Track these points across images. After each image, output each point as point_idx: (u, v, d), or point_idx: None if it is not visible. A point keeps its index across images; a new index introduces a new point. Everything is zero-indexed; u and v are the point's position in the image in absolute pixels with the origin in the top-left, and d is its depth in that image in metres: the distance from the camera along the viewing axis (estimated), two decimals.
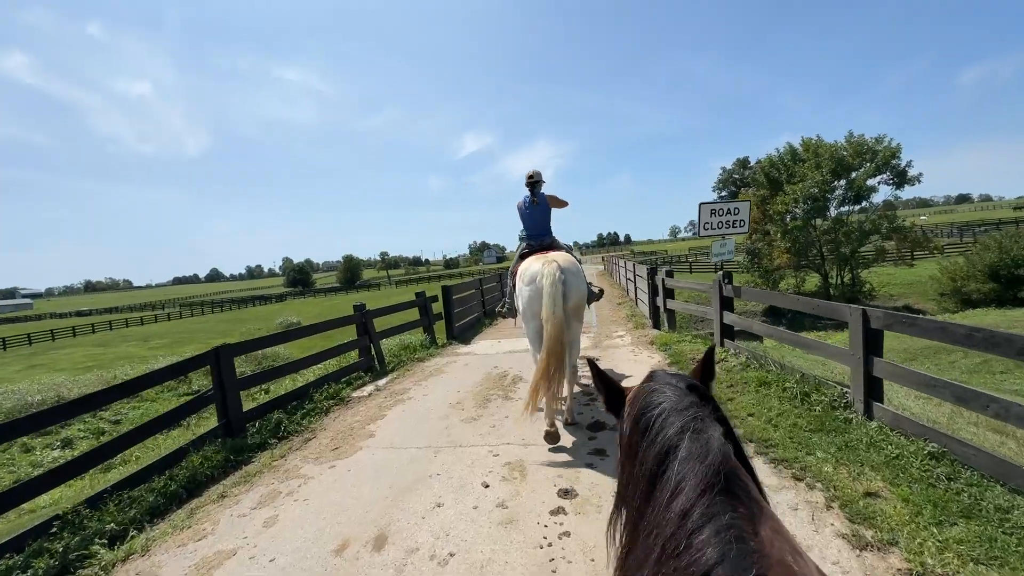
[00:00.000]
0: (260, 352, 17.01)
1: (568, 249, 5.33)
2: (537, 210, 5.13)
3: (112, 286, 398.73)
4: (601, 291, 5.80)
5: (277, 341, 6.56)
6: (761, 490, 0.85)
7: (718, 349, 6.43)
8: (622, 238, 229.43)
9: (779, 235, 28.15)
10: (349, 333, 7.45)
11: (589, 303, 5.36)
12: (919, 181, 27.02)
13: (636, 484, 0.88)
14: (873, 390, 3.94)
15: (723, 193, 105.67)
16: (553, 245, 5.14)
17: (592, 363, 1.33)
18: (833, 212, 27.88)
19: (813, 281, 30.19)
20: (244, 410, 5.15)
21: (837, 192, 27.65)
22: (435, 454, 4.18)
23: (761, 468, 3.41)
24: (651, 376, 1.09)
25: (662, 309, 8.29)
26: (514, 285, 4.95)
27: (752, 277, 30.76)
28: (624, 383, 1.23)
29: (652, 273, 8.70)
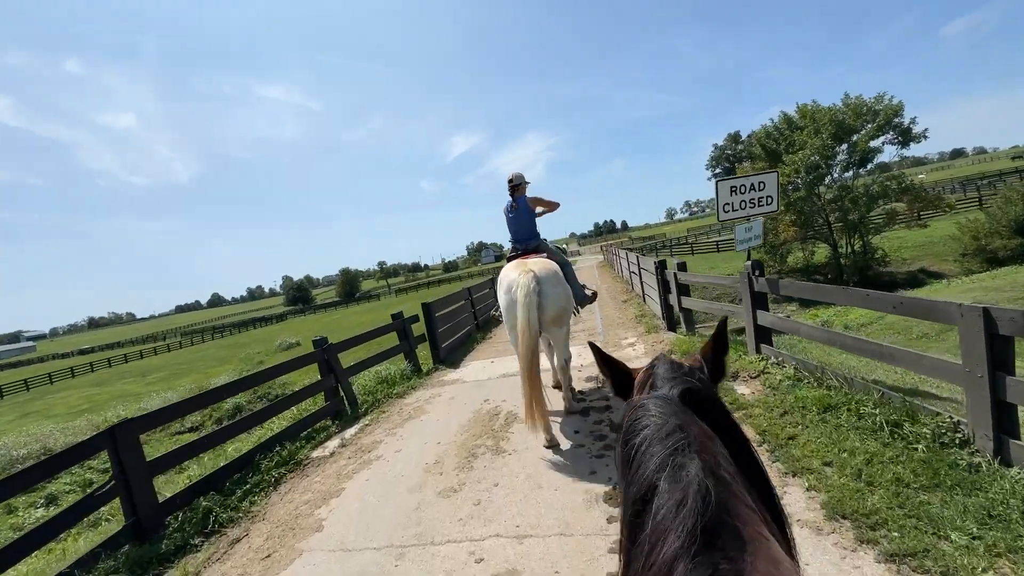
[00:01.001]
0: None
1: (558, 251, 5.19)
2: (518, 215, 5.01)
3: (116, 320, 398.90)
4: (594, 293, 5.59)
5: (196, 406, 5.34)
6: (779, 515, 0.81)
7: (752, 357, 5.26)
8: (619, 225, 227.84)
9: (783, 208, 26.87)
10: (313, 372, 6.30)
11: (583, 306, 5.31)
12: (925, 137, 25.76)
13: (624, 526, 0.81)
14: (1005, 421, 2.76)
15: (717, 170, 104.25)
16: (539, 249, 4.98)
17: (594, 346, 1.26)
18: (837, 178, 26.62)
19: (822, 252, 28.94)
20: (161, 500, 4.00)
21: (840, 158, 26.40)
22: (397, 560, 3.01)
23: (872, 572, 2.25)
24: (652, 373, 1.02)
25: (677, 308, 7.11)
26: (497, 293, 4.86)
27: (759, 253, 29.52)
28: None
29: (662, 268, 7.51)
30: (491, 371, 7.20)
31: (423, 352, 8.65)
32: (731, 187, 5.20)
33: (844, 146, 26.19)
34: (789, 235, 27.18)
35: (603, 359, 1.18)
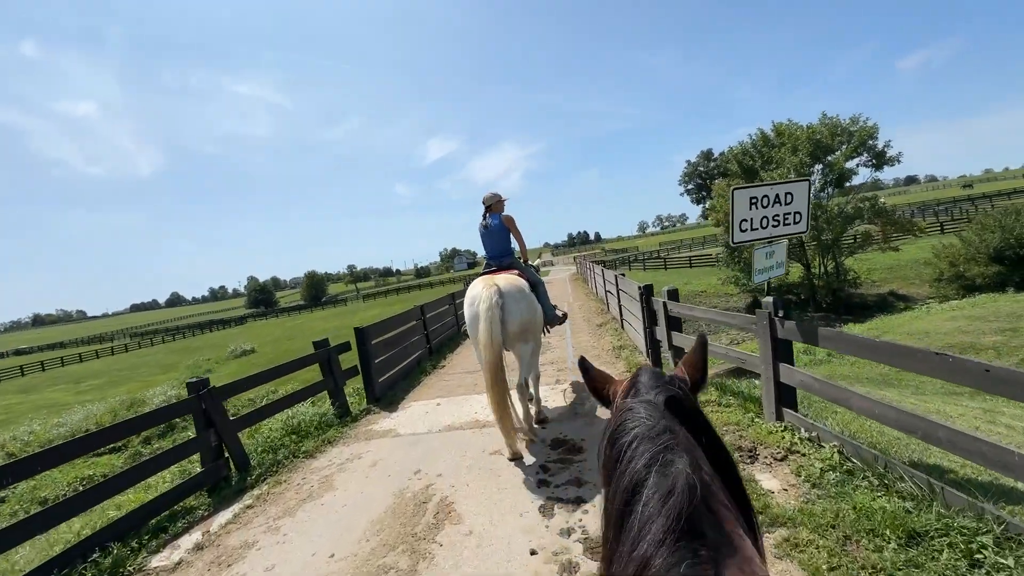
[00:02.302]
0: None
1: (530, 270, 5.22)
2: (492, 233, 5.06)
3: (64, 318, 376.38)
4: (565, 315, 5.60)
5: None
6: (751, 518, 0.84)
7: (771, 425, 3.96)
8: (592, 236, 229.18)
9: None
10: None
11: (552, 326, 5.21)
12: (899, 161, 25.76)
13: (609, 518, 0.83)
14: None
15: (689, 186, 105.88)
16: (512, 266, 5.01)
17: (583, 359, 1.33)
18: (812, 197, 26.34)
19: (796, 271, 28.63)
20: None
21: (815, 177, 26.16)
22: None
23: None
24: (635, 382, 1.07)
25: (665, 345, 5.79)
26: None
27: (733, 272, 29.00)
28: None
29: (647, 294, 6.19)
30: (434, 419, 5.69)
31: (357, 385, 7.10)
32: (751, 198, 3.90)
33: (819, 166, 26.00)
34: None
35: (585, 370, 1.25)
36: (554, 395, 5.94)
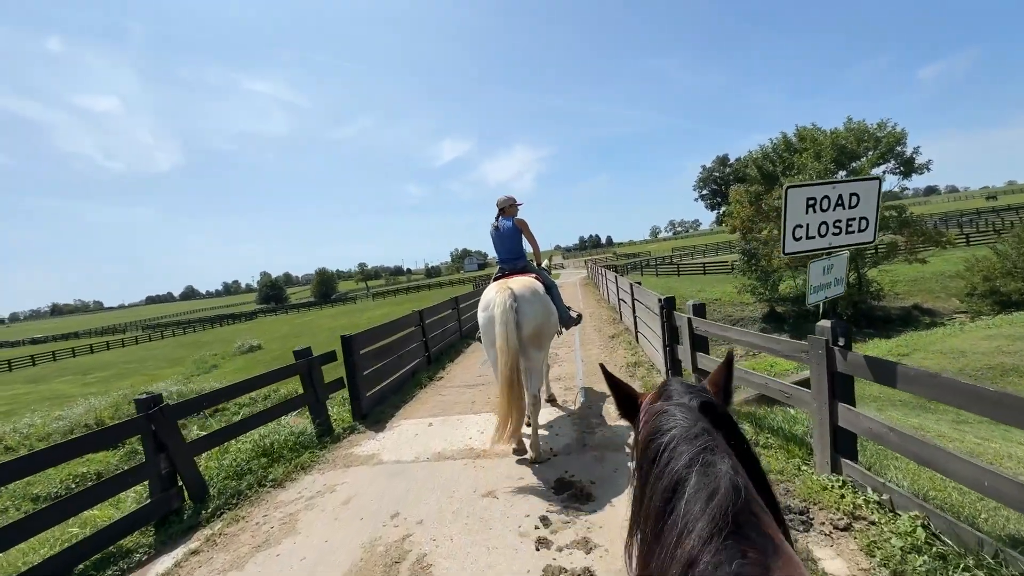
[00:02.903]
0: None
1: (544, 272, 5.13)
2: (504, 234, 5.00)
3: (81, 308, 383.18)
4: (579, 316, 5.54)
5: None
6: (783, 523, 0.82)
7: (825, 479, 3.22)
8: (604, 240, 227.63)
9: (778, 233, 25.42)
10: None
11: (567, 327, 5.12)
12: (928, 169, 24.67)
13: (647, 517, 0.83)
14: None
15: (704, 191, 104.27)
16: (525, 269, 5.00)
17: (603, 367, 1.35)
18: None
19: None
20: None
21: None
22: None
23: None
24: (665, 388, 1.07)
25: (688, 366, 5.07)
26: None
27: (750, 280, 28.04)
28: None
29: (668, 308, 5.46)
30: (424, 443, 5.02)
31: (343, 396, 6.47)
32: (808, 200, 3.15)
33: (843, 172, 24.98)
34: (785, 262, 25.70)
35: (611, 379, 1.23)
36: (560, 421, 5.24)
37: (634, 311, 8.54)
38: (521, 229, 5.01)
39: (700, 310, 4.91)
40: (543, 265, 5.66)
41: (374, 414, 6.11)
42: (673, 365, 5.43)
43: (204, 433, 4.55)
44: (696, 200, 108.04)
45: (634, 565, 0.85)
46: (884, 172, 24.70)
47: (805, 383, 3.36)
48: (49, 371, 44.71)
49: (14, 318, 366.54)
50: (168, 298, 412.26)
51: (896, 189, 26.74)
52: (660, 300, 5.55)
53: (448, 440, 5.02)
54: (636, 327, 8.49)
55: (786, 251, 3.28)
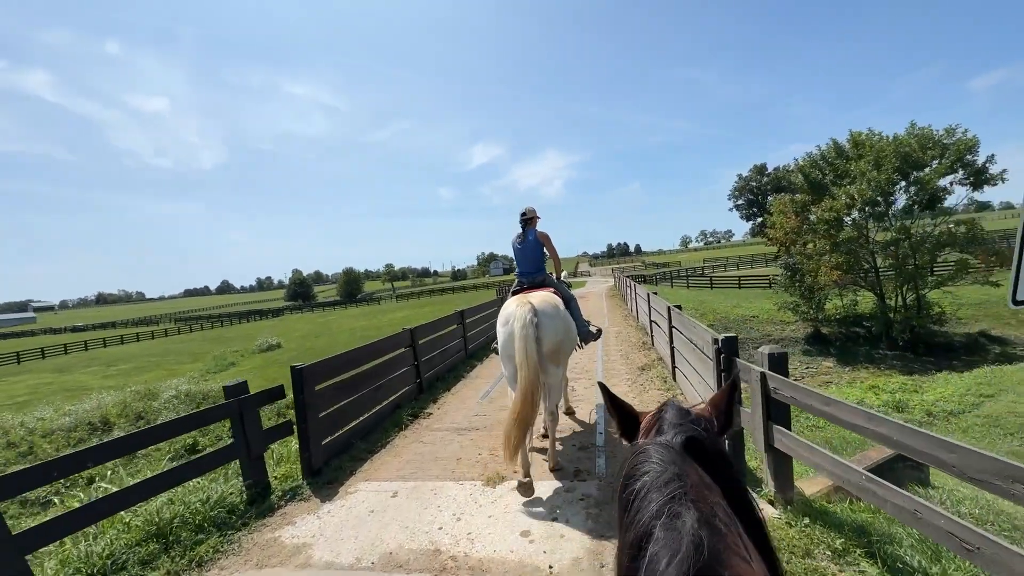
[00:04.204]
0: None
1: (563, 286, 5.09)
2: (527, 248, 5.00)
3: (124, 298, 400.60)
4: (599, 331, 5.41)
5: None
6: (774, 564, 0.79)
7: None
8: (632, 248, 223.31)
9: (828, 247, 23.11)
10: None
11: (586, 342, 5.06)
12: (1003, 180, 21.98)
13: (619, 569, 0.81)
14: None
15: (739, 202, 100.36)
16: (544, 283, 4.99)
17: (603, 386, 1.29)
18: (895, 219, 22.86)
19: (866, 302, 25.07)
20: None
21: (899, 196, 22.73)
22: None
23: None
24: (660, 417, 1.01)
25: (759, 443, 3.48)
26: None
27: (792, 297, 25.72)
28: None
29: (728, 353, 3.87)
30: (375, 533, 3.56)
31: (291, 441, 5.11)
32: None
33: (903, 183, 22.57)
34: (833, 279, 23.37)
35: (611, 399, 1.18)
36: (572, 508, 3.72)
37: (671, 340, 6.93)
38: (543, 243, 5.05)
39: (780, 363, 3.34)
40: (562, 278, 5.53)
41: (330, 469, 4.71)
42: (732, 433, 3.86)
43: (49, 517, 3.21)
44: (731, 210, 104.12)
45: None
46: (952, 183, 22.19)
47: None
48: (78, 361, 45.55)
49: (63, 305, 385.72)
50: (204, 291, 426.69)
51: (963, 203, 24.12)
52: (716, 341, 3.96)
53: (410, 530, 3.57)
54: (673, 360, 6.87)
55: (1015, 301, 1.75)
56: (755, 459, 3.99)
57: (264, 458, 4.38)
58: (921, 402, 12.83)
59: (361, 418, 5.59)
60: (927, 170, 21.65)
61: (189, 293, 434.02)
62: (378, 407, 6.01)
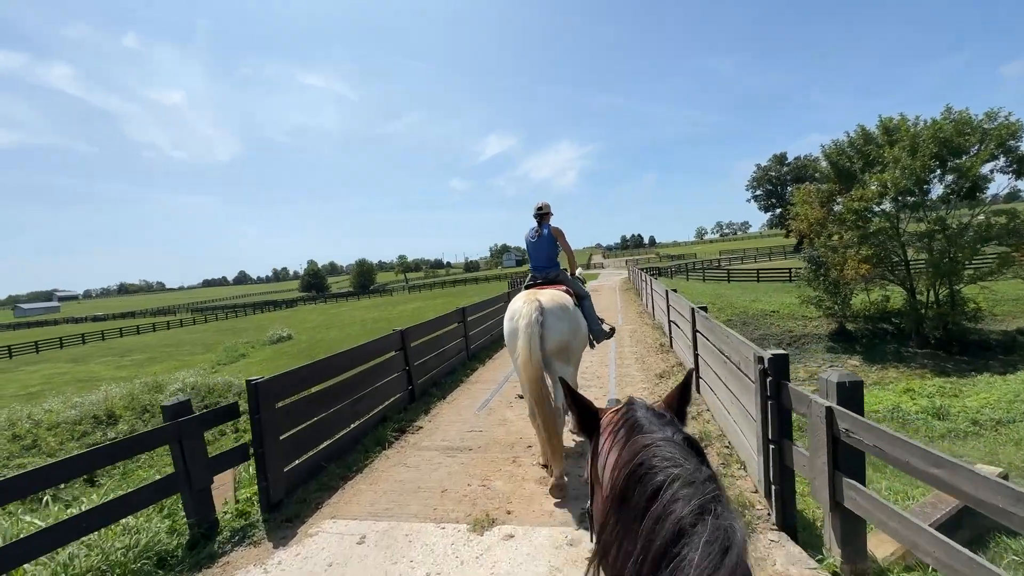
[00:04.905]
0: None
1: (577, 283, 5.01)
2: (541, 242, 4.92)
3: (145, 288, 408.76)
4: (612, 329, 5.22)
5: None
6: None
7: None
8: (646, 240, 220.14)
9: (856, 239, 21.82)
10: None
11: (599, 340, 4.93)
12: None
13: (637, 559, 0.76)
14: None
15: (757, 192, 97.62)
16: (557, 279, 4.88)
17: (563, 381, 1.27)
18: (930, 209, 21.45)
19: (897, 297, 23.72)
20: None
21: (935, 184, 21.31)
22: None
23: None
24: (631, 415, 0.99)
25: (824, 498, 2.66)
26: None
27: (816, 292, 24.48)
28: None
29: (776, 375, 3.02)
30: None
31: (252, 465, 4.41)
32: None
33: (938, 171, 21.12)
34: (861, 273, 22.10)
35: (571, 394, 1.18)
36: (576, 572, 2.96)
37: (695, 345, 6.08)
38: (557, 238, 4.95)
39: (853, 395, 2.50)
40: (577, 274, 5.34)
41: (293, 502, 4.00)
42: (782, 478, 3.03)
43: None
44: (748, 201, 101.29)
45: None
46: (992, 171, 20.74)
47: None
48: (94, 351, 46.06)
49: (87, 295, 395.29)
50: (222, 282, 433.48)
51: (1004, 192, 22.61)
52: (761, 360, 3.11)
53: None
54: (697, 368, 6.03)
55: None
56: (808, 507, 3.16)
57: (211, 491, 3.68)
58: (964, 408, 11.78)
59: (337, 436, 4.88)
60: (966, 157, 20.21)
61: (207, 283, 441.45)
62: (359, 421, 5.29)
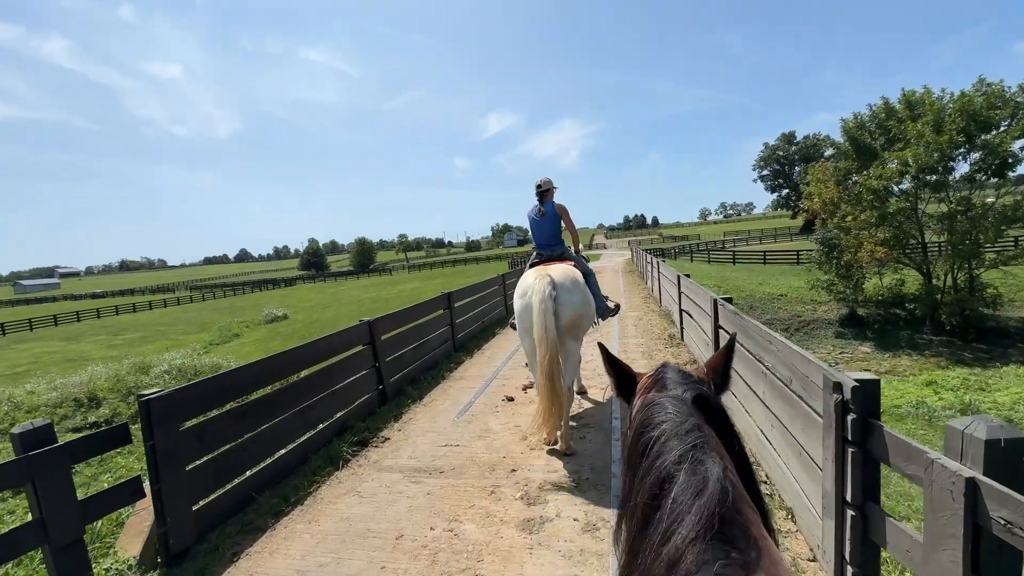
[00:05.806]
0: None
1: (581, 260, 5.01)
2: (545, 220, 4.87)
3: (146, 265, 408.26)
4: (617, 306, 5.27)
5: None
6: (769, 523, 0.80)
7: None
8: (649, 220, 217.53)
9: (873, 219, 20.64)
10: None
11: (604, 318, 4.98)
12: None
13: (633, 511, 0.81)
14: None
15: (764, 172, 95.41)
16: (563, 256, 4.89)
17: (602, 347, 1.30)
18: (954, 188, 20.23)
19: (912, 281, 22.66)
20: None
21: (960, 162, 20.03)
22: None
23: None
24: (660, 376, 1.02)
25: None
26: None
27: (827, 275, 23.45)
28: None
29: (862, 410, 2.05)
30: None
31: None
32: None
33: (966, 148, 19.83)
34: (877, 255, 21.02)
35: (609, 359, 1.20)
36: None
37: (716, 342, 5.11)
38: (561, 215, 4.89)
39: (1010, 458, 1.56)
40: (580, 252, 5.35)
41: (203, 551, 3.07)
42: (863, 559, 2.09)
43: None
44: (755, 181, 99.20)
45: (621, 555, 0.84)
46: (1021, 148, 19.48)
47: None
48: (88, 329, 45.49)
49: (88, 272, 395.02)
50: (223, 260, 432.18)
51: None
52: (838, 387, 2.11)
53: None
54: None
55: None
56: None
57: (84, 542, 2.77)
58: (995, 404, 10.94)
59: (277, 455, 3.95)
60: (995, 132, 18.91)
61: (208, 261, 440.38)
62: (311, 433, 4.36)
